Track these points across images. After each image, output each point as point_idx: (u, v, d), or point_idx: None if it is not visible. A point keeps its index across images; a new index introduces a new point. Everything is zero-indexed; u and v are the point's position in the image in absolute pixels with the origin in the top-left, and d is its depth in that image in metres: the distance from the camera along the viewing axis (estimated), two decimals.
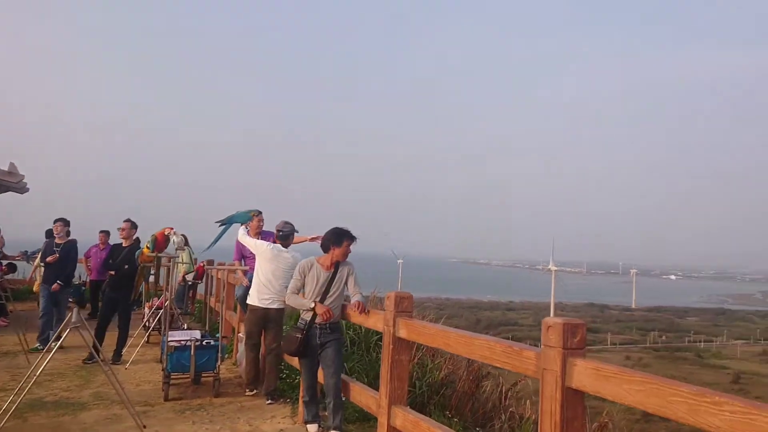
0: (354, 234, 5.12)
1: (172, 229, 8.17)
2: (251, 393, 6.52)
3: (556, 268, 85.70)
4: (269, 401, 6.24)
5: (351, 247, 5.11)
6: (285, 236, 6.34)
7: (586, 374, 2.49)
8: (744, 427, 1.86)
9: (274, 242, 6.47)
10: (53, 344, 5.54)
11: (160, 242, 8.05)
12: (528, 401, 7.02)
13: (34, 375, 5.01)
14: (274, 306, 6.27)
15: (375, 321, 4.54)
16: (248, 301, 6.48)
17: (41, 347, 8.21)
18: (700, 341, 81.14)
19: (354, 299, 4.98)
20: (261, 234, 7.12)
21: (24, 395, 5.09)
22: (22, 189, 12.32)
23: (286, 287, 6.05)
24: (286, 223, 6.45)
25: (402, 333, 4.07)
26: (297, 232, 6.56)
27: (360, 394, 4.76)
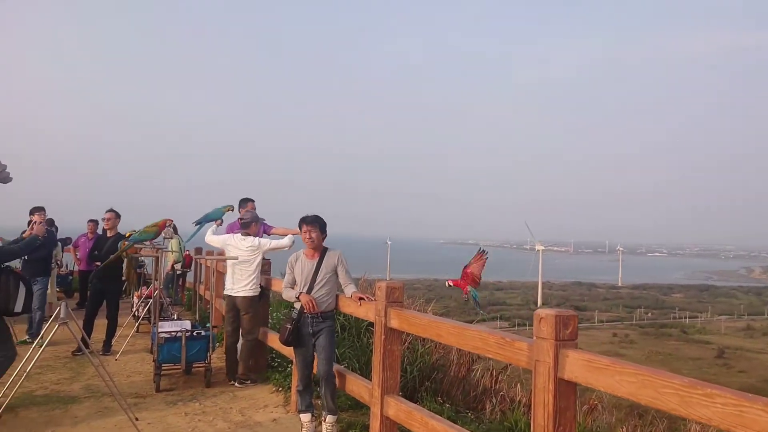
0: (312, 217, 5.03)
1: (172, 221, 8.14)
2: (231, 383, 6.57)
3: (543, 248, 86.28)
4: (236, 383, 6.44)
5: (312, 233, 4.99)
6: (246, 224, 6.51)
7: (578, 365, 2.52)
8: (734, 419, 1.89)
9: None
10: (41, 340, 5.48)
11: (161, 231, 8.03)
12: (519, 384, 7.10)
13: (25, 369, 4.97)
14: (240, 294, 6.42)
15: (366, 311, 4.54)
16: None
17: (30, 340, 8.15)
18: (684, 317, 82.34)
19: (347, 290, 4.97)
20: None
21: (16, 389, 5.05)
22: (5, 179, 12.14)
23: (252, 273, 6.39)
24: (247, 210, 6.68)
25: (393, 323, 4.07)
26: (263, 220, 6.65)
27: (353, 384, 4.77)
